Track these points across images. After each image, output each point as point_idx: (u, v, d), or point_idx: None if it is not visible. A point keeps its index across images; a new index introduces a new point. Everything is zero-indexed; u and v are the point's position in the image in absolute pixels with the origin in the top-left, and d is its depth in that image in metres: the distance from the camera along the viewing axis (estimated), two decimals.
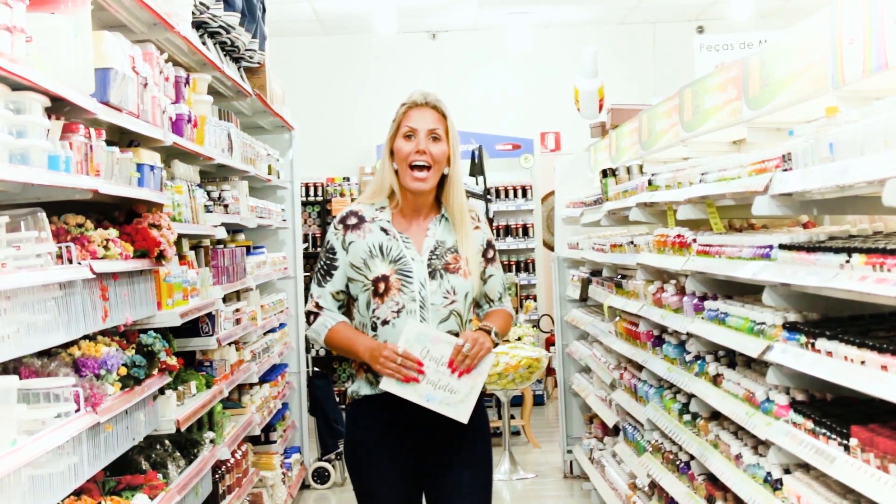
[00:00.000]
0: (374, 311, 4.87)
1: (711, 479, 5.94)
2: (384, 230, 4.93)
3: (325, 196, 15.99)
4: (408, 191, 4.94)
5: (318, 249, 15.89)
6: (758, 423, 5.01)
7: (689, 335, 6.36)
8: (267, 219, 9.49)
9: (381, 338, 4.84)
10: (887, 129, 3.84)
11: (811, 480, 4.54)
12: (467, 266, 4.95)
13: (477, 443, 5.01)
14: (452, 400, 4.78)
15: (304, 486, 10.79)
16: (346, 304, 5.03)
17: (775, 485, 4.86)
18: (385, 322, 4.84)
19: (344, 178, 16.07)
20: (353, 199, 15.87)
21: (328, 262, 4.97)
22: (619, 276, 8.71)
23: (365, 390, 4.91)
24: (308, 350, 11.30)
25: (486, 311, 5.16)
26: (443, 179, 5.02)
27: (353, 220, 4.97)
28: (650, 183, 7.33)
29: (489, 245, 5.16)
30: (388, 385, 4.77)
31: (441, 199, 5.06)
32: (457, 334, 4.86)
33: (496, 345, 4.95)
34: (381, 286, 4.83)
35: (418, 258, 4.89)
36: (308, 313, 5.00)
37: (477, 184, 14.62)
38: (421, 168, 4.90)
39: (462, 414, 4.80)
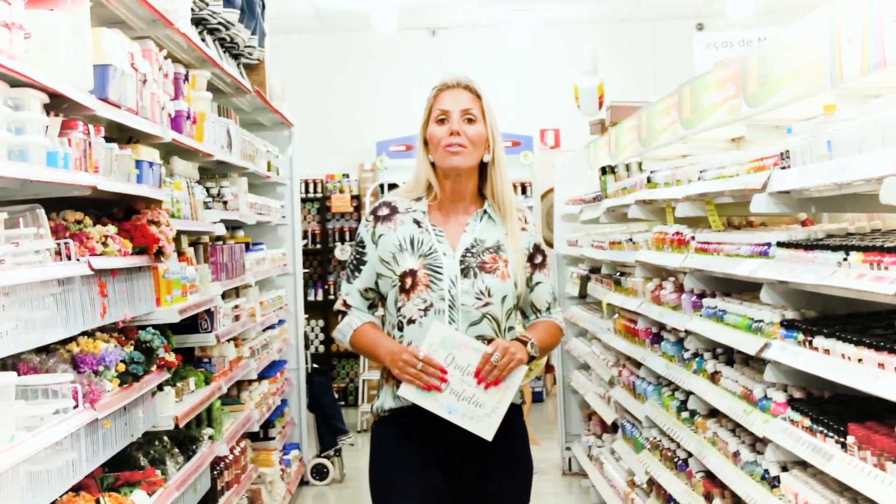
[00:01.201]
0: (400, 308, 4.48)
1: (709, 477, 5.95)
2: (417, 222, 4.55)
3: (325, 193, 15.99)
4: (446, 177, 4.56)
5: (318, 246, 15.92)
6: (755, 421, 5.01)
7: (688, 332, 6.37)
8: (266, 215, 9.49)
9: (406, 338, 4.45)
10: (885, 127, 3.84)
11: (808, 478, 4.55)
12: (507, 268, 4.51)
13: (516, 469, 4.59)
14: (477, 414, 4.34)
15: (303, 483, 10.80)
16: (377, 303, 4.66)
17: (773, 482, 4.87)
18: (411, 321, 4.44)
19: (343, 175, 16.08)
20: (352, 197, 15.91)
21: (357, 256, 4.61)
22: (618, 274, 8.72)
23: (390, 403, 4.50)
24: (307, 346, 11.30)
25: (531, 323, 4.68)
26: (483, 170, 4.61)
27: (384, 211, 4.61)
28: (649, 180, 7.33)
29: (537, 249, 4.68)
30: (407, 392, 4.36)
31: (484, 192, 4.64)
32: (490, 341, 4.42)
33: (532, 359, 4.49)
34: (409, 281, 4.45)
35: (451, 254, 4.49)
36: (336, 312, 4.67)
37: None
38: (456, 147, 4.48)
39: (487, 430, 4.35)
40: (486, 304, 4.45)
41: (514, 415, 4.54)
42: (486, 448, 4.44)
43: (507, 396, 4.38)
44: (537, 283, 4.65)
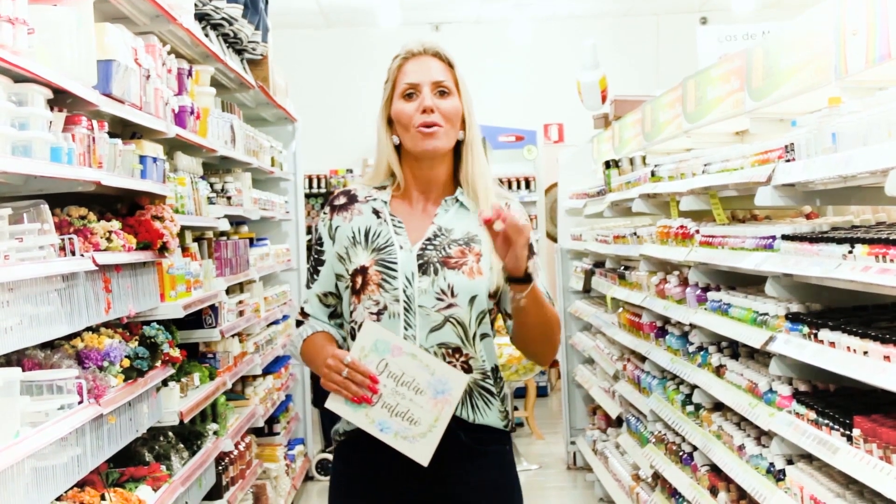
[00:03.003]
0: (351, 312, 3.80)
1: (715, 470, 5.94)
2: (376, 212, 3.83)
3: (328, 188, 16.00)
4: (417, 163, 3.82)
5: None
6: (761, 414, 5.01)
7: (692, 326, 6.36)
8: (270, 211, 9.49)
9: None
10: (890, 120, 3.84)
11: (814, 471, 4.55)
12: (479, 263, 3.74)
13: None
14: (411, 432, 3.63)
15: (308, 478, 10.80)
16: (339, 310, 3.93)
17: (778, 475, 4.86)
18: (362, 327, 3.70)
19: (347, 171, 16.10)
20: None
21: (316, 256, 3.91)
22: (623, 268, 8.72)
23: (344, 425, 3.80)
24: None
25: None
26: (458, 152, 3.86)
27: (341, 200, 3.89)
28: (653, 174, 7.33)
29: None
30: (334, 404, 3.66)
31: (459, 178, 3.88)
32: (454, 350, 3.70)
33: (527, 279, 3.60)
34: (359, 280, 3.74)
35: (408, 247, 3.75)
36: (296, 322, 4.01)
37: None
38: (432, 127, 3.74)
39: (422, 453, 3.63)
40: (450, 306, 3.70)
41: (496, 441, 3.84)
42: (465, 482, 3.75)
43: (445, 411, 3.64)
44: None
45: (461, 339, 3.71)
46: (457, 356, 3.71)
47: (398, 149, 3.85)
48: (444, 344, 3.70)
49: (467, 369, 3.71)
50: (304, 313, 3.95)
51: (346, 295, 3.83)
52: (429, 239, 3.78)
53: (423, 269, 3.73)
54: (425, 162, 3.82)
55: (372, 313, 3.71)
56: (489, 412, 3.81)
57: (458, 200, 3.85)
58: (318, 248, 3.91)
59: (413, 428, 3.63)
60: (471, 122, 3.83)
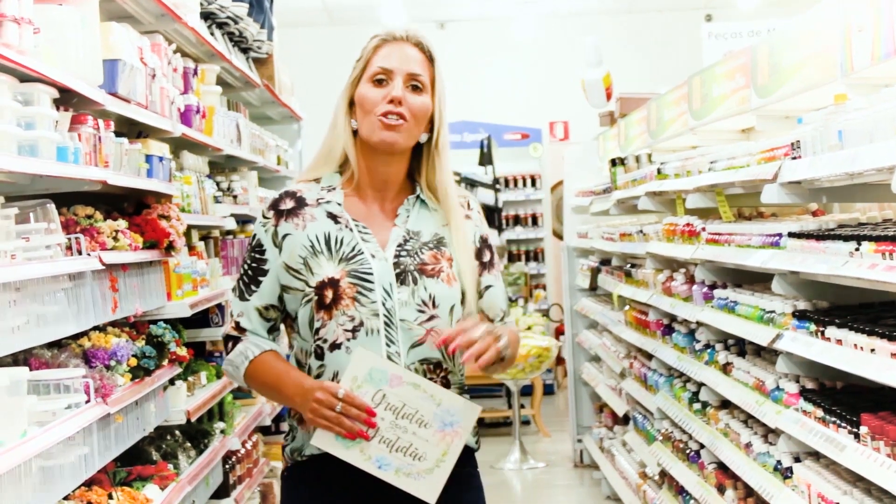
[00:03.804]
0: (318, 330, 3.41)
1: (722, 468, 5.94)
2: (333, 216, 3.49)
3: None
4: (370, 156, 3.52)
5: None
6: (768, 412, 5.00)
7: (699, 324, 6.36)
8: None
9: (329, 368, 3.40)
10: None
11: (821, 469, 4.54)
12: (451, 268, 3.50)
13: None
14: (416, 468, 3.32)
15: None
16: (279, 324, 3.59)
17: (785, 473, 4.86)
18: (336, 346, 3.39)
19: None
20: None
21: (253, 265, 3.52)
22: (629, 265, 8.71)
23: (309, 448, 3.44)
24: None
25: None
26: (419, 152, 3.59)
27: (288, 204, 3.52)
28: (659, 172, 7.32)
29: (485, 244, 3.67)
30: (323, 441, 3.33)
31: (415, 178, 3.62)
32: (437, 366, 3.44)
33: (500, 361, 3.41)
34: (329, 294, 3.39)
35: (381, 255, 3.44)
36: (226, 339, 3.58)
37: (486, 173, 14.61)
38: (393, 118, 3.45)
39: (429, 490, 3.33)
40: (431, 318, 3.42)
41: (466, 463, 3.52)
42: None
43: (455, 444, 3.34)
44: (487, 287, 3.63)
45: (442, 354, 3.43)
46: (437, 372, 3.45)
47: (356, 135, 3.54)
48: (425, 360, 3.42)
49: (446, 385, 3.45)
50: (239, 328, 3.53)
51: (305, 310, 3.44)
52: (400, 245, 3.48)
53: (402, 278, 3.43)
54: (381, 157, 3.51)
55: (347, 330, 3.38)
56: None
57: (419, 199, 3.58)
58: (258, 255, 3.51)
59: (417, 464, 3.32)
60: (441, 124, 3.55)
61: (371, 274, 3.41)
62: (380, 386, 3.30)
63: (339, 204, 3.51)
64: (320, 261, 3.42)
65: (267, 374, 3.47)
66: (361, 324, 3.38)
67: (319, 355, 3.41)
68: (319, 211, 3.50)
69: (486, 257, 3.64)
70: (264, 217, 3.53)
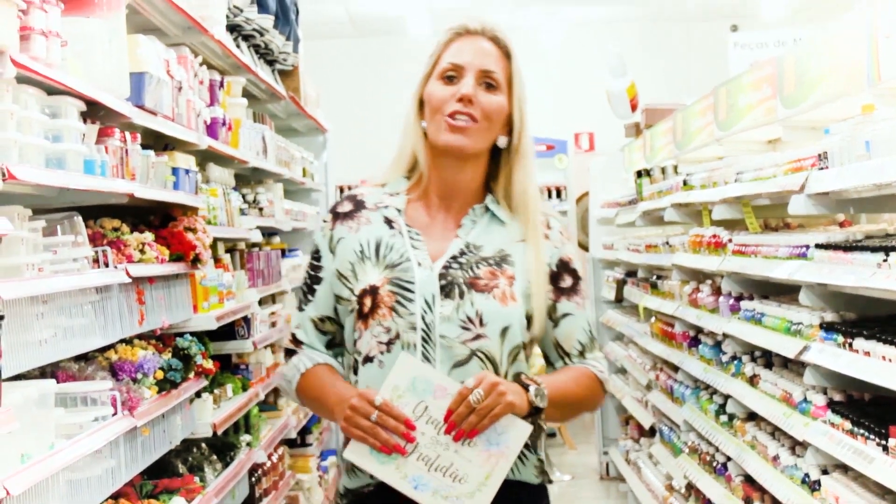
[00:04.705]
0: (355, 342, 3.17)
1: (749, 481, 5.92)
2: (389, 221, 3.25)
3: None
4: (440, 161, 3.24)
5: None
6: (795, 424, 4.98)
7: (725, 336, 6.34)
8: (302, 221, 9.50)
9: (361, 384, 3.13)
10: None
11: (849, 481, 4.52)
12: (512, 287, 3.15)
13: None
14: (455, 491, 2.98)
15: None
16: (339, 338, 3.32)
17: (813, 486, 4.83)
18: (369, 359, 3.12)
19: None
20: None
21: (311, 272, 3.32)
22: (655, 277, 8.70)
23: (349, 480, 3.20)
24: None
25: (555, 370, 3.32)
26: (495, 158, 3.29)
27: (346, 207, 3.31)
28: (685, 183, 7.31)
29: (565, 267, 3.29)
30: (356, 455, 3.03)
31: (492, 187, 3.30)
32: None
33: (537, 412, 3.06)
34: (368, 303, 3.13)
35: (427, 263, 3.16)
36: (286, 352, 3.39)
37: None
38: (462, 118, 3.16)
39: None
40: (477, 338, 3.09)
41: (530, 501, 3.21)
42: None
43: (500, 466, 3.00)
44: (564, 316, 3.27)
45: (485, 370, 3.09)
46: None
47: (427, 136, 3.26)
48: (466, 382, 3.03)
49: None
50: (296, 341, 3.33)
51: (349, 320, 3.21)
52: (454, 256, 3.18)
53: (447, 291, 3.12)
54: (451, 161, 3.22)
55: (381, 343, 3.10)
56: (523, 467, 3.17)
57: (488, 210, 3.27)
58: (315, 262, 3.31)
59: (458, 486, 2.98)
60: (521, 126, 3.25)
61: (412, 283, 3.12)
62: (423, 397, 2.99)
63: (399, 210, 3.26)
64: (366, 267, 3.18)
65: (314, 388, 3.22)
66: (397, 336, 3.09)
67: (356, 370, 3.16)
68: (377, 215, 3.26)
69: (566, 282, 3.28)
70: (324, 221, 3.34)
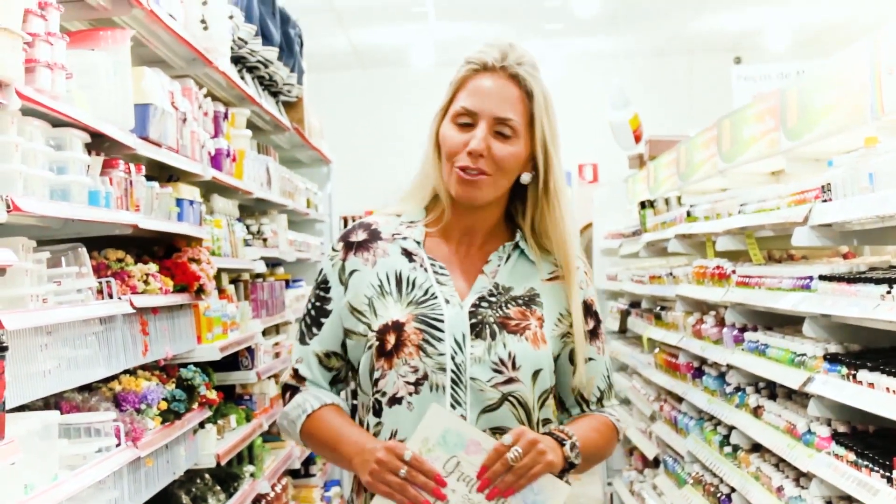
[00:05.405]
0: (377, 381, 2.95)
1: None
2: (408, 254, 3.06)
3: None
4: (454, 201, 3.06)
5: None
6: (799, 455, 4.97)
7: (729, 367, 6.33)
8: (306, 252, 9.51)
9: (386, 427, 2.94)
10: None
11: None
12: (542, 329, 3.01)
13: None
14: None
15: None
16: (344, 375, 3.16)
17: None
18: (396, 400, 2.93)
19: None
20: None
21: (317, 303, 3.12)
22: (659, 308, 8.69)
23: None
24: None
25: (573, 418, 3.17)
26: (522, 190, 3.11)
27: (360, 236, 3.11)
28: (689, 214, 7.31)
29: (587, 310, 3.17)
30: None
31: (518, 221, 3.15)
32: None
33: (570, 468, 2.92)
34: (391, 340, 2.93)
35: (455, 300, 2.98)
36: (284, 388, 3.18)
37: None
38: (472, 172, 2.97)
39: None
40: (509, 381, 2.93)
41: None
42: None
43: None
44: (587, 360, 3.13)
45: (521, 424, 2.93)
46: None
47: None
48: (498, 429, 2.89)
49: None
50: (298, 377, 3.13)
51: (365, 357, 3.00)
52: (482, 297, 3.01)
53: (477, 330, 2.95)
54: (465, 206, 3.06)
55: (409, 383, 2.91)
56: None
57: (518, 247, 3.11)
58: (322, 294, 3.10)
59: None
60: (547, 165, 3.03)
61: (441, 321, 2.94)
62: (454, 452, 2.80)
63: (418, 242, 3.07)
64: (387, 302, 2.98)
65: (325, 432, 3.01)
66: (425, 377, 2.90)
67: (377, 411, 2.95)
68: (394, 247, 3.06)
69: (588, 326, 3.15)
70: (333, 250, 3.12)
